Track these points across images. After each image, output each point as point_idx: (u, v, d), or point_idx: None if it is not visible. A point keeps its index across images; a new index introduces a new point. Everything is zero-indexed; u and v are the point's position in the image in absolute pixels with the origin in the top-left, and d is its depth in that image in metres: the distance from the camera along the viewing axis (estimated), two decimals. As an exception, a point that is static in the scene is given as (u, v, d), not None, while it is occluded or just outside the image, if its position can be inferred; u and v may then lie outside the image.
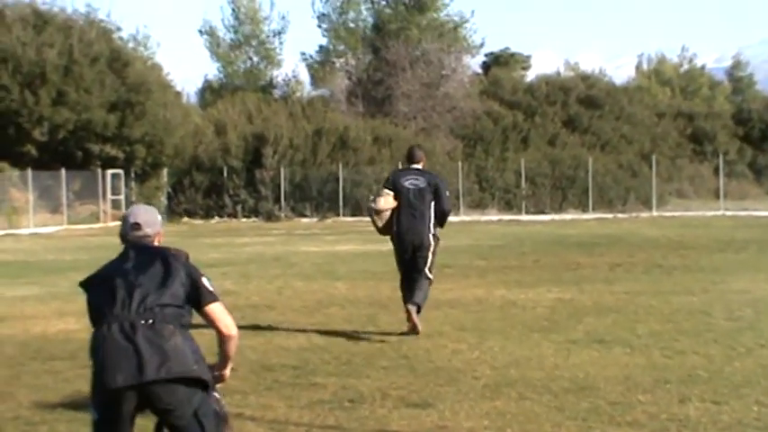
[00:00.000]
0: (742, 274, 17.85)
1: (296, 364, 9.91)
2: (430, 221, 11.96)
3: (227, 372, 5.44)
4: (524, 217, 47.30)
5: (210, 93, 64.32)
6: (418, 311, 11.67)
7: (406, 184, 11.94)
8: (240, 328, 12.01)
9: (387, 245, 27.15)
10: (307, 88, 66.53)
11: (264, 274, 19.45)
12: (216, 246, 29.11)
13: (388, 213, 11.95)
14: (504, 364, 9.75)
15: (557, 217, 46.80)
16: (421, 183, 11.94)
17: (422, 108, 57.14)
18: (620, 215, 46.73)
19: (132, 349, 4.83)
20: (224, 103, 54.54)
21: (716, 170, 55.08)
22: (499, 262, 21.57)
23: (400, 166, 11.59)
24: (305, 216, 48.42)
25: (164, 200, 49.45)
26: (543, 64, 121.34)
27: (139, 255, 5.22)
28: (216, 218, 48.51)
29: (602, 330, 11.69)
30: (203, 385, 5.01)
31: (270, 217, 47.88)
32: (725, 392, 8.32)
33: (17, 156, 42.29)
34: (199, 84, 68.68)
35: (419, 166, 12.20)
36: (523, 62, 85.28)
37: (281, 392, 8.68)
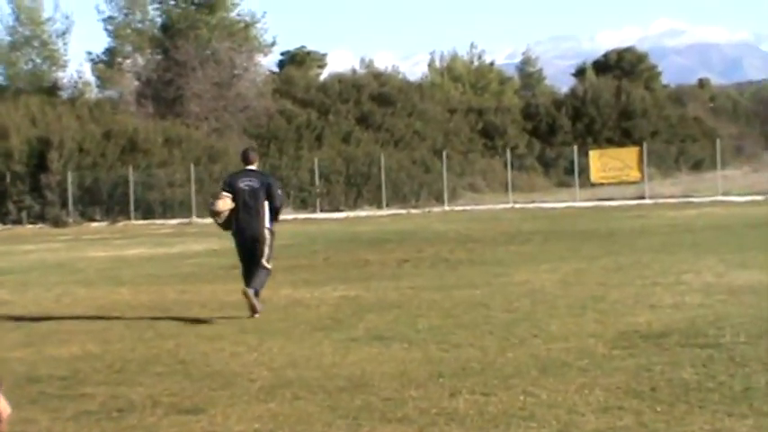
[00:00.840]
0: (524, 265, 18.24)
1: (65, 375, 9.53)
2: (264, 218, 13.22)
3: None
4: (319, 215, 47.45)
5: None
6: (256, 294, 12.98)
7: (242, 185, 13.22)
8: (11, 339, 11.60)
9: (175, 248, 26.94)
10: (94, 90, 64.96)
11: (45, 282, 18.82)
12: (-2, 254, 28.08)
13: (226, 213, 13.28)
14: (282, 365, 9.63)
15: (351, 214, 47.12)
16: (255, 183, 13.22)
17: (214, 108, 56.64)
18: (413, 210, 47.38)
19: None
20: (6, 106, 52.67)
21: (507, 164, 56.48)
22: (288, 261, 21.43)
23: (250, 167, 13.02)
24: (95, 220, 47.35)
25: (-59, 208, 47.57)
26: (340, 62, 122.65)
27: None
28: (-1, 225, 46.87)
29: (383, 327, 11.70)
30: None
31: (57, 222, 46.55)
32: (495, 384, 8.40)
33: None
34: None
35: (253, 167, 13.57)
36: (319, 60, 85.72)
37: (46, 405, 8.32)
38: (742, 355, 9.08)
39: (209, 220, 43.97)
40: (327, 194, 51.39)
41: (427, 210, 47.58)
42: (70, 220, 46.97)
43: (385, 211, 47.85)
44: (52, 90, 63.05)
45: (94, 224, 46.39)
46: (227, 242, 28.79)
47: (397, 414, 7.54)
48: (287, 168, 52.49)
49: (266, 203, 13.22)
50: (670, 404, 7.48)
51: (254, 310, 12.82)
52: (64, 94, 63.47)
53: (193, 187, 47.71)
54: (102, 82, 63.54)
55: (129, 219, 47.22)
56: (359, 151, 55.08)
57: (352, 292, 15.29)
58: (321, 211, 49.36)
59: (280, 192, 13.52)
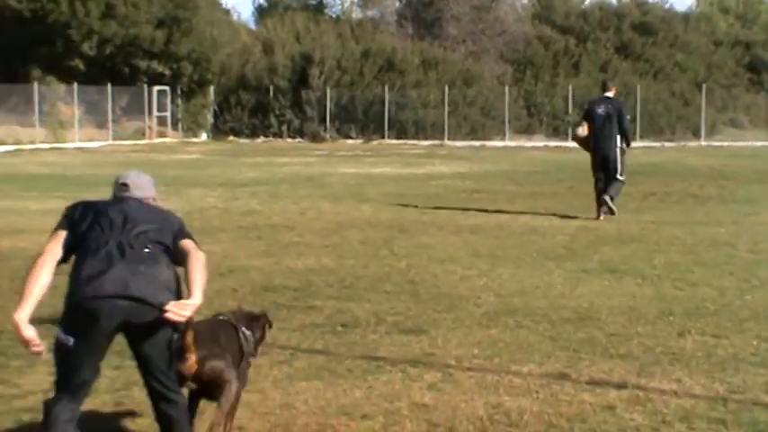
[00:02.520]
0: (777, 206, 17.46)
1: (298, 286, 9.78)
2: (615, 138, 15.66)
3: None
4: (571, 144, 46.68)
5: (260, 12, 63.89)
6: (612, 200, 15.45)
7: (599, 111, 15.82)
8: (254, 248, 11.99)
9: (422, 168, 27.27)
10: (357, 9, 65.84)
11: (293, 195, 19.36)
12: (255, 165, 29.10)
13: (583, 136, 16.16)
14: (510, 292, 9.57)
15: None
16: (609, 109, 15.72)
17: (471, 31, 56.42)
18: (667, 144, 46.04)
19: None
20: (273, 22, 54.20)
21: (772, 100, 54.10)
22: (532, 188, 21.32)
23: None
24: (350, 137, 48.24)
25: (210, 118, 49.55)
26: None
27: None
28: (261, 137, 48.45)
29: (618, 260, 11.45)
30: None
31: (315, 137, 47.74)
32: (728, 326, 8.09)
33: (65, 69, 42.31)
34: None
35: (610, 95, 16.14)
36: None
37: (276, 314, 8.48)
38: None
39: (461, 143, 44.20)
40: (580, 123, 50.41)
41: (682, 144, 46.14)
42: (327, 136, 48.04)
43: (638, 143, 46.47)
44: (318, 8, 64.37)
45: (350, 141, 47.31)
46: (475, 166, 29.12)
47: (620, 350, 7.38)
48: (541, 95, 51.95)
49: (617, 126, 15.64)
50: None
51: (611, 212, 15.31)
52: (329, 13, 64.62)
53: (446, 109, 47.89)
54: (365, 2, 64.29)
55: (383, 137, 47.91)
56: (616, 81, 53.71)
57: (593, 223, 15.03)
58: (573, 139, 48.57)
59: (628, 117, 16.05)
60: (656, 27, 62.12)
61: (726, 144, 45.53)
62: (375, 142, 46.78)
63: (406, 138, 47.78)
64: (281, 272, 10.61)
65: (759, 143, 45.19)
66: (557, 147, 43.96)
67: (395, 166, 28.81)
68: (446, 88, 48.17)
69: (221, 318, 5.45)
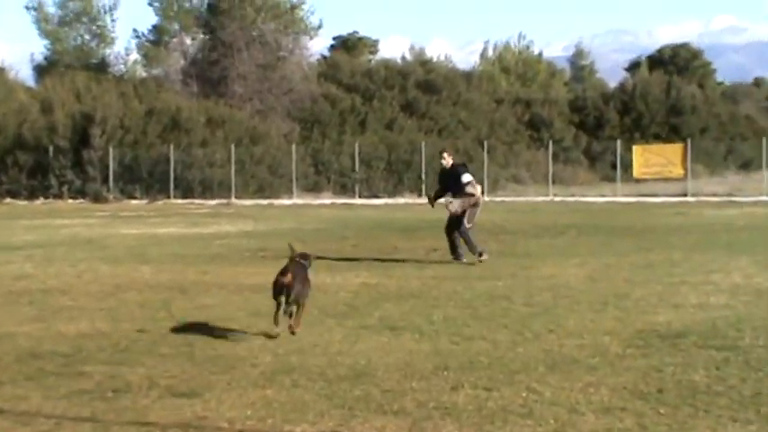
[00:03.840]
0: (553, 259, 17.98)
1: (68, 352, 9.42)
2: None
3: None
4: (358, 201, 47.30)
5: (39, 71, 62.49)
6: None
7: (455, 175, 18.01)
8: (23, 313, 11.51)
9: (208, 228, 26.91)
10: (140, 68, 65.17)
11: (70, 257, 18.80)
12: (32, 228, 28.21)
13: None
14: (288, 351, 9.47)
15: (390, 201, 46.93)
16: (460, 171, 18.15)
17: (258, 90, 56.61)
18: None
19: None
20: (52, 81, 53.06)
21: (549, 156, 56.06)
22: (317, 246, 21.23)
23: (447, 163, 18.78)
24: (135, 198, 47.49)
25: (-17, 179, 47.95)
26: (395, 49, 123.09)
27: None
28: (41, 199, 47.14)
29: (398, 316, 11.51)
30: None
31: (97, 198, 46.80)
32: (499, 378, 8.19)
33: None
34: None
35: (450, 160, 18.51)
36: (371, 47, 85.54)
37: (41, 382, 8.20)
38: (758, 359, 8.82)
39: (248, 202, 43.94)
40: (367, 180, 51.18)
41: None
42: (110, 197, 47.20)
43: (424, 200, 47.49)
44: (99, 67, 63.35)
45: (134, 201, 46.55)
46: (261, 224, 29.04)
47: (394, 406, 7.36)
48: (328, 153, 52.40)
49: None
50: (675, 407, 7.24)
51: (481, 255, 17.66)
52: (111, 72, 63.72)
53: (233, 168, 47.75)
54: (148, 60, 63.74)
55: (168, 197, 47.38)
56: (401, 138, 54.81)
57: (374, 279, 15.10)
58: (360, 197, 49.17)
59: (469, 174, 18.33)
60: (439, 85, 63.88)
61: (508, 199, 46.84)
62: (160, 202, 46.17)
63: (193, 197, 47.39)
64: (51, 337, 10.20)
65: (539, 198, 46.76)
66: (344, 204, 44.36)
67: (179, 226, 28.43)
68: (233, 147, 48.08)
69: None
